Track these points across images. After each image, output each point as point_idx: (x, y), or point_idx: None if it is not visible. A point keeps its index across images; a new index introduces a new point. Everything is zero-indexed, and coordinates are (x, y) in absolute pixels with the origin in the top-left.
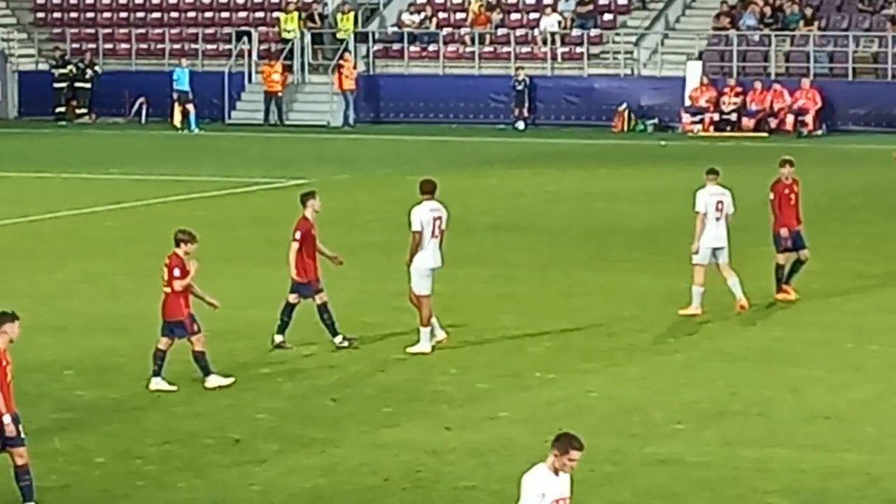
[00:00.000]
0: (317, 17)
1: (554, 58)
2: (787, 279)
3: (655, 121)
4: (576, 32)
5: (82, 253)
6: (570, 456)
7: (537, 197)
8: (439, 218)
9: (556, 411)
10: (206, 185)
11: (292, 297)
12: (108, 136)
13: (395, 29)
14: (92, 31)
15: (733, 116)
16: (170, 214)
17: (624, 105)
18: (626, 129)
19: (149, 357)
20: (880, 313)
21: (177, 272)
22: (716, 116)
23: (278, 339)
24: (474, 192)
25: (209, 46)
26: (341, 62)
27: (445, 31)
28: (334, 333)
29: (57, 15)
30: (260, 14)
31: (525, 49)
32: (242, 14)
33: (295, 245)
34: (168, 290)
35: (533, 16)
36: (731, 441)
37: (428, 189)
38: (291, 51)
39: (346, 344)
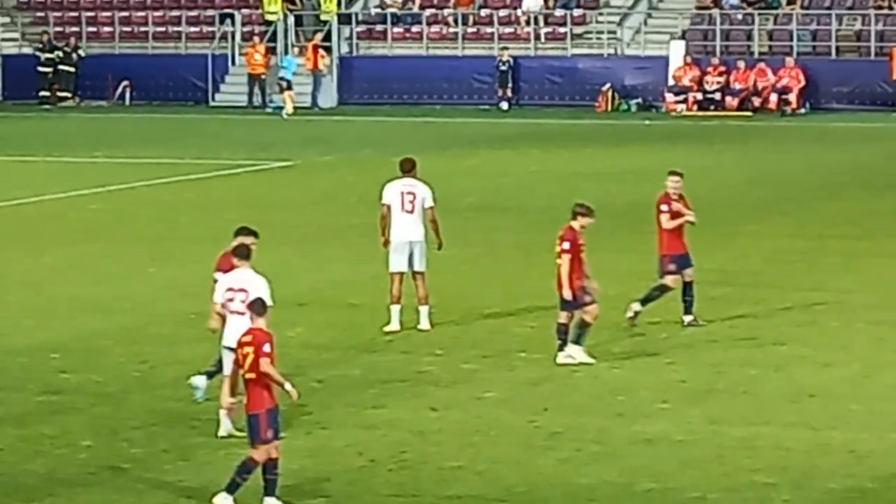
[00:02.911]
0: None
1: (537, 38)
2: None
3: (639, 100)
4: (559, 12)
5: (68, 236)
6: None
7: (521, 177)
8: (411, 193)
9: (542, 391)
10: (191, 168)
11: (669, 280)
12: (93, 119)
13: (379, 10)
14: (75, 14)
15: (717, 95)
16: (155, 197)
17: (607, 85)
18: (609, 108)
19: (135, 339)
20: (866, 291)
21: (566, 245)
22: (699, 96)
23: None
24: (458, 172)
25: (192, 29)
26: (314, 43)
27: (428, 11)
28: (686, 311)
29: None
30: None
31: (508, 29)
32: None
33: (665, 218)
34: (559, 262)
35: None
36: (717, 420)
37: (406, 168)
38: (275, 33)
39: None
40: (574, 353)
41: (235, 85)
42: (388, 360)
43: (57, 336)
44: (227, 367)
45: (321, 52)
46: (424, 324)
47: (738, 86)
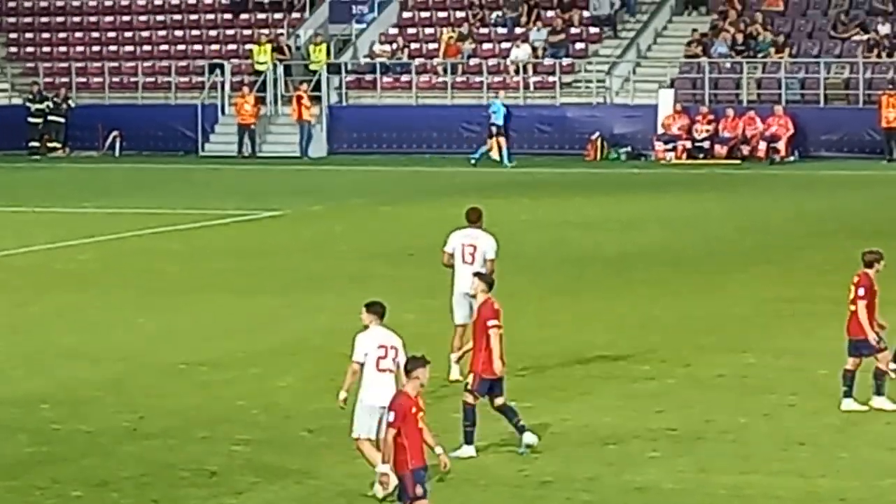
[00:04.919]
0: (289, 49)
1: (526, 87)
2: None
3: (628, 149)
4: (548, 62)
5: (56, 286)
6: None
7: (511, 226)
8: (472, 245)
9: None
10: (179, 218)
11: None
12: (82, 169)
13: (368, 60)
14: (65, 65)
15: (706, 144)
16: (144, 247)
17: (596, 133)
18: (598, 157)
19: (125, 389)
20: None
21: (861, 291)
22: (688, 144)
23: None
24: (448, 221)
25: (182, 79)
26: (299, 93)
27: (418, 61)
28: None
29: (30, 49)
30: (232, 46)
31: (497, 79)
32: (215, 46)
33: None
34: (853, 307)
35: (505, 45)
36: (707, 468)
37: (472, 218)
38: (264, 83)
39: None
40: (881, 405)
41: (225, 135)
42: None
43: (46, 386)
44: (373, 428)
45: (305, 102)
46: (454, 374)
47: (727, 134)
